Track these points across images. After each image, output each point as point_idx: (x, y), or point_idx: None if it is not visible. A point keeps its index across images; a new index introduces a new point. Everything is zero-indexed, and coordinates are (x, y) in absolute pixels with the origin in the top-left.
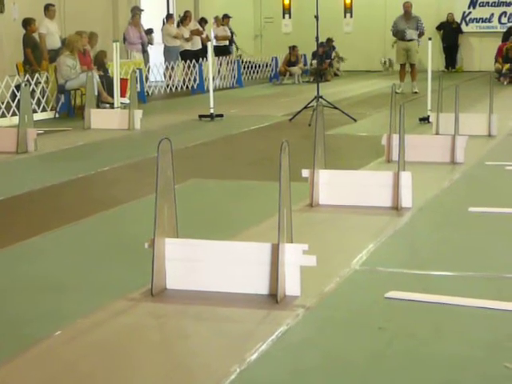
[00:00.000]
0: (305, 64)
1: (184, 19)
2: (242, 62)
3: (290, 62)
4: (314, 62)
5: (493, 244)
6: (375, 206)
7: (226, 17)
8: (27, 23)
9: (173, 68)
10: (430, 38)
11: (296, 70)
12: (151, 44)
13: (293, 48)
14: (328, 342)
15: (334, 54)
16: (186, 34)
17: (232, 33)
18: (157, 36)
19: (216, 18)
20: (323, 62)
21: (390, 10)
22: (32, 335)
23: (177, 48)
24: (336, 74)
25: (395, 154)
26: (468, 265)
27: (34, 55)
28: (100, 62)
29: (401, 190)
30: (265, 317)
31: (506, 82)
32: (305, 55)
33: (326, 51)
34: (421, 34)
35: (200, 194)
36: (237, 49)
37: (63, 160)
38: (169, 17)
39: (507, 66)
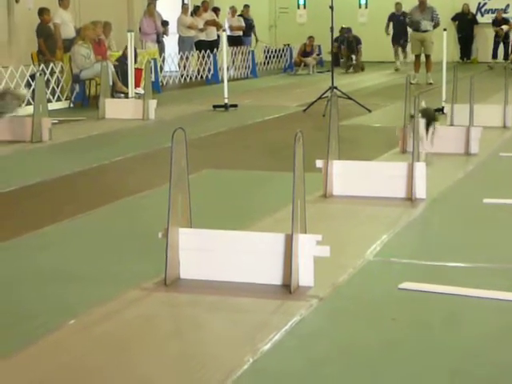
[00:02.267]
0: (318, 54)
1: (197, 9)
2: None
3: (305, 53)
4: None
5: (507, 235)
6: (389, 196)
7: (246, 6)
8: (41, 13)
9: (187, 58)
10: (445, 29)
11: (310, 60)
12: (166, 35)
13: (309, 38)
14: (341, 332)
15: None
16: (201, 25)
17: (253, 25)
18: (172, 26)
19: (231, 8)
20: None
21: (404, 0)
22: (45, 325)
23: (191, 38)
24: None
25: (409, 144)
26: (481, 256)
27: (48, 45)
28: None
29: (415, 181)
30: (278, 307)
31: None
32: (319, 46)
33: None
34: (436, 25)
35: (214, 184)
36: (256, 40)
37: (77, 150)
38: (183, 7)
39: None
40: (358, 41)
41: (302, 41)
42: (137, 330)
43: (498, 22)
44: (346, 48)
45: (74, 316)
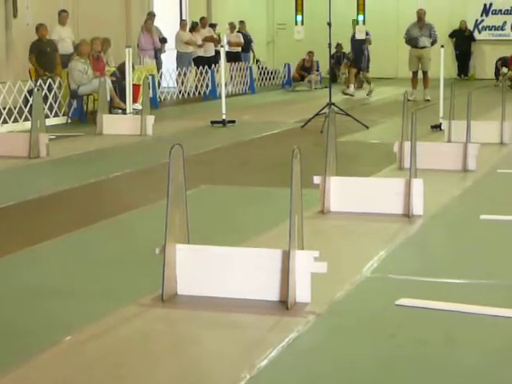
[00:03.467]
0: (317, 70)
1: (195, 25)
2: (259, 68)
3: (304, 68)
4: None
5: (504, 252)
6: (387, 213)
7: (242, 22)
8: (37, 29)
9: (185, 74)
10: (442, 46)
11: (313, 77)
12: (163, 52)
13: (309, 53)
14: (338, 348)
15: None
16: (199, 41)
17: (251, 41)
18: (170, 42)
19: (230, 24)
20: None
21: (402, 17)
22: (42, 340)
23: (189, 54)
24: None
25: (407, 161)
26: (479, 272)
27: (42, 61)
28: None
29: (412, 198)
30: (275, 323)
31: None
32: (317, 62)
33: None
34: (434, 42)
35: (211, 200)
36: (254, 57)
37: (75, 165)
38: (182, 23)
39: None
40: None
41: (300, 57)
42: (133, 346)
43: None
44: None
45: (70, 332)
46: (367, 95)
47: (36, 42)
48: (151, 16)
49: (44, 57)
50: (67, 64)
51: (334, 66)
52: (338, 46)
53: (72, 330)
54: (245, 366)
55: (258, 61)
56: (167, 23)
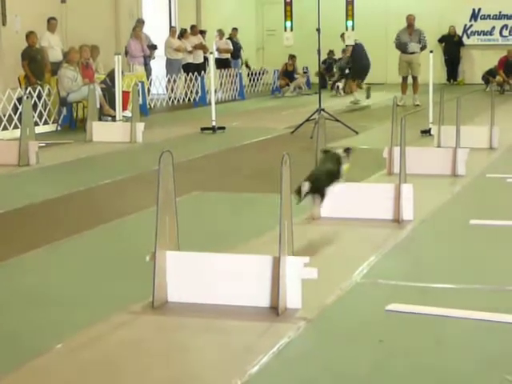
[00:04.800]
0: (305, 72)
1: (184, 32)
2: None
3: (287, 72)
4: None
5: (494, 256)
6: (376, 218)
7: (234, 29)
8: (27, 36)
9: (175, 81)
10: (431, 51)
11: (300, 79)
12: (153, 59)
13: (291, 58)
14: (329, 354)
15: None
16: (189, 47)
17: (240, 47)
18: (159, 49)
19: (219, 31)
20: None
21: (391, 22)
22: (33, 348)
23: (179, 61)
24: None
25: (397, 166)
26: (469, 277)
27: (33, 68)
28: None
29: (402, 203)
30: (266, 329)
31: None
32: (306, 67)
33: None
34: (423, 48)
35: (201, 206)
36: (244, 64)
37: (65, 173)
38: (171, 29)
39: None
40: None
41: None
42: (124, 354)
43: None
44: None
45: (61, 340)
46: (353, 103)
47: (27, 50)
48: (140, 23)
49: (35, 64)
50: (56, 71)
51: (325, 73)
52: (330, 52)
53: (63, 337)
54: (236, 373)
55: (247, 64)
56: (157, 30)
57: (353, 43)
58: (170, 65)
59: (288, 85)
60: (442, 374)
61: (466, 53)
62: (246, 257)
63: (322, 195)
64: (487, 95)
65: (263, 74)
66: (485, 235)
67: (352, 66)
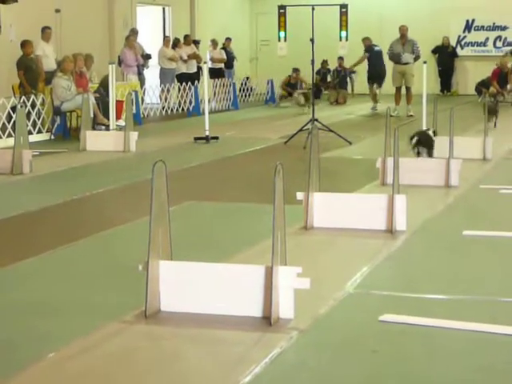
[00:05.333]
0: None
1: (177, 42)
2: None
3: (290, 84)
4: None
5: (487, 268)
6: (369, 229)
7: (228, 39)
8: (23, 45)
9: (168, 90)
10: (425, 62)
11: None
12: (146, 68)
13: (296, 71)
14: (322, 365)
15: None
16: (184, 56)
17: (234, 57)
18: (153, 58)
19: (213, 41)
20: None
21: (385, 33)
22: (24, 358)
23: (172, 70)
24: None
25: (390, 177)
26: (462, 288)
27: (28, 77)
28: (105, 84)
29: (395, 213)
30: (258, 339)
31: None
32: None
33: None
34: (417, 58)
35: (195, 216)
36: (245, 78)
37: (58, 182)
38: (165, 39)
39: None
40: (346, 75)
41: (284, 73)
42: (117, 363)
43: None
44: (338, 79)
45: (53, 349)
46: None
47: (22, 59)
48: (134, 32)
49: (30, 73)
50: (50, 80)
51: (320, 83)
52: (324, 62)
53: (55, 346)
54: (228, 383)
55: (248, 78)
56: (151, 40)
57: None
58: (164, 74)
59: (290, 95)
60: None
61: (459, 64)
62: (238, 266)
63: (429, 147)
64: (480, 106)
65: (254, 89)
66: (478, 246)
67: (368, 71)
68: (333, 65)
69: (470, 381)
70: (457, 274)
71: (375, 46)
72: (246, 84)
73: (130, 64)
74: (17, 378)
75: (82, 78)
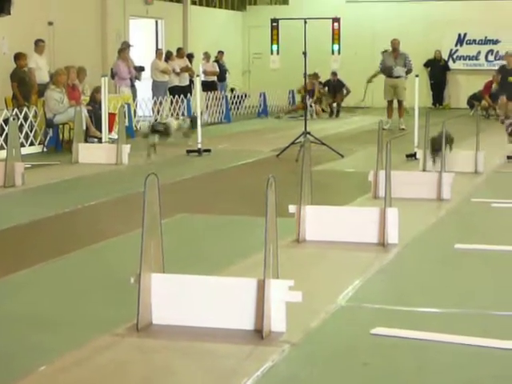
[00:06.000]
0: (293, 102)
1: (170, 55)
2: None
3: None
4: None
5: (478, 281)
6: (361, 242)
7: (220, 52)
8: (17, 58)
9: (161, 103)
10: (417, 75)
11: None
12: (139, 80)
13: (312, 75)
14: (313, 378)
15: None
16: (177, 69)
17: (226, 70)
18: (145, 71)
19: (205, 54)
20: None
21: (377, 46)
22: (16, 371)
23: (165, 83)
24: (324, 111)
25: (382, 190)
26: (453, 302)
27: (21, 90)
28: (94, 98)
29: (387, 226)
30: (250, 352)
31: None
32: (292, 91)
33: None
34: (409, 71)
35: (187, 228)
36: (230, 90)
37: (50, 194)
38: (158, 52)
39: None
40: (341, 85)
41: (276, 86)
42: (108, 376)
43: None
44: (331, 92)
45: (44, 362)
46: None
47: (16, 71)
48: (127, 45)
49: (24, 85)
50: (43, 93)
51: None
52: (314, 74)
53: (46, 359)
54: None
55: (233, 90)
56: (143, 53)
57: (337, 67)
58: (156, 87)
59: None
60: None
61: (451, 77)
62: (230, 279)
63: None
64: (472, 120)
65: (245, 97)
66: (469, 259)
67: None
68: (325, 78)
69: None
70: (448, 287)
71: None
72: (234, 97)
73: (123, 77)
74: None
75: (74, 90)
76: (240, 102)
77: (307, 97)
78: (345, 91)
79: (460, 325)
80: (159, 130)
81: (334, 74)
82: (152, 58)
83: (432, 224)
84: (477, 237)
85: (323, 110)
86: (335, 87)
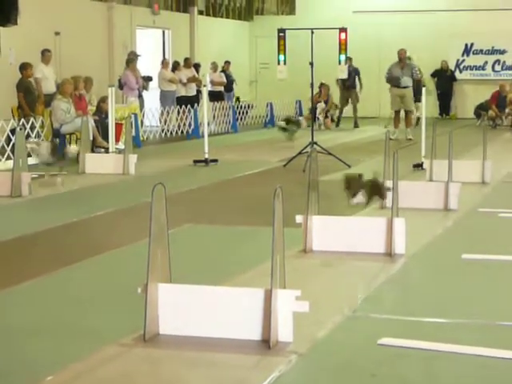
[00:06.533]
0: (300, 112)
1: (177, 65)
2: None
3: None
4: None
5: (486, 291)
6: (368, 252)
7: (227, 62)
8: (23, 68)
9: (168, 113)
10: (424, 86)
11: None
12: (146, 90)
13: (322, 86)
14: None
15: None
16: (184, 79)
17: (233, 80)
18: (153, 81)
19: (213, 64)
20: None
21: (384, 56)
22: (23, 381)
23: (173, 92)
24: (333, 120)
25: (389, 200)
26: (461, 312)
27: (27, 100)
28: (101, 108)
29: (394, 237)
30: (257, 363)
31: None
32: (300, 101)
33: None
34: (417, 82)
35: (194, 239)
36: (237, 99)
37: (57, 204)
38: (164, 62)
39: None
40: (357, 72)
41: (282, 96)
42: None
43: None
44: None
45: (51, 372)
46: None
47: (22, 81)
48: (135, 56)
49: (30, 96)
50: (50, 103)
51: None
52: (326, 86)
53: (53, 370)
54: None
55: (238, 99)
56: (150, 63)
57: (344, 77)
58: (164, 97)
59: (317, 119)
60: None
61: (458, 87)
62: (237, 289)
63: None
64: (479, 129)
65: (251, 107)
66: (477, 269)
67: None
68: (332, 89)
69: None
70: (456, 297)
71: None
72: (240, 107)
73: (132, 87)
74: None
75: (81, 100)
76: (246, 113)
77: (317, 104)
78: (358, 86)
79: (468, 335)
80: (294, 121)
81: (350, 59)
82: (159, 68)
83: (439, 234)
84: (484, 247)
85: (333, 120)
86: (350, 74)
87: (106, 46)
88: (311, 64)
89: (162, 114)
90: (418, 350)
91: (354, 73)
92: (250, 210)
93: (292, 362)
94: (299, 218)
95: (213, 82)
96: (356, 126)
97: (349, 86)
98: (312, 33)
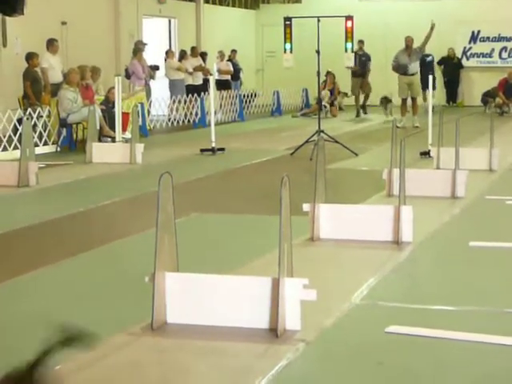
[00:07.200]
0: (306, 100)
1: (184, 54)
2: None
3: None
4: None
5: (493, 279)
6: (376, 240)
7: (234, 51)
8: (29, 57)
9: (180, 101)
10: (431, 74)
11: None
12: (153, 79)
13: (328, 74)
14: (328, 376)
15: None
16: (190, 68)
17: (240, 69)
18: (160, 70)
19: (220, 53)
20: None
21: (390, 44)
22: None
23: (182, 81)
24: (341, 108)
25: (396, 188)
26: (468, 299)
27: (34, 89)
28: (109, 98)
29: (401, 225)
30: (265, 351)
31: None
32: (306, 90)
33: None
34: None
35: (201, 227)
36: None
37: (64, 194)
38: (169, 51)
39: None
40: (368, 57)
41: (289, 84)
42: (123, 376)
43: None
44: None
45: (59, 361)
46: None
47: (28, 70)
48: (143, 45)
49: (36, 85)
50: (56, 93)
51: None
52: (328, 73)
53: (61, 359)
54: None
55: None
56: (157, 52)
57: (351, 65)
58: (174, 86)
59: (324, 107)
60: None
61: (465, 75)
62: (245, 278)
63: None
64: (486, 117)
65: (255, 96)
66: (484, 257)
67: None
68: (338, 77)
69: None
70: (463, 284)
71: (427, 56)
72: (244, 96)
73: (139, 76)
74: None
75: (87, 90)
76: (250, 101)
77: (323, 94)
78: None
79: (475, 322)
80: (390, 99)
81: (361, 41)
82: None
83: (446, 222)
84: (491, 234)
85: (341, 108)
86: (361, 58)
87: (112, 35)
88: (318, 52)
89: (173, 102)
90: (426, 338)
91: (365, 58)
92: (257, 199)
93: (300, 350)
94: (306, 207)
95: (220, 71)
96: (359, 115)
97: (360, 73)
98: (318, 21)
